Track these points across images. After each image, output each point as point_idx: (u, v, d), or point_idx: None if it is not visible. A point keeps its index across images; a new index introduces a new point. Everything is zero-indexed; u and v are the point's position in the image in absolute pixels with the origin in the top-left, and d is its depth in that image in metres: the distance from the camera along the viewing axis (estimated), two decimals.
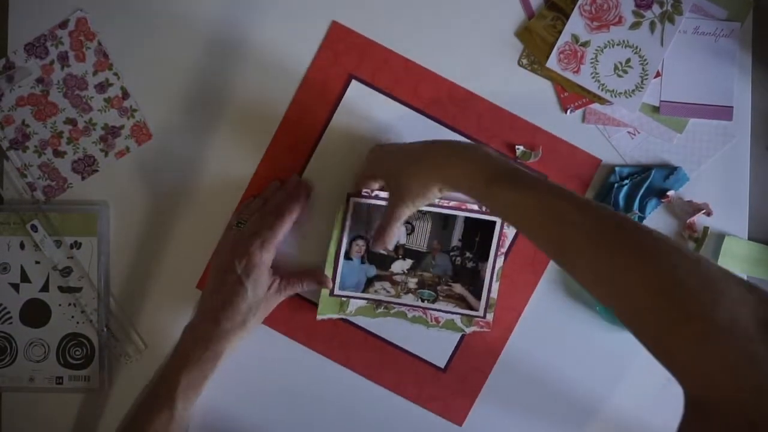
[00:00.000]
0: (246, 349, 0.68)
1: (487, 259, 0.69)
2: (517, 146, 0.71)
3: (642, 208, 0.70)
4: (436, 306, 0.70)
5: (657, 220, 0.71)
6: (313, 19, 0.72)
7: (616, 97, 0.71)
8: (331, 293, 0.69)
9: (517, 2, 0.72)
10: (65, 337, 0.71)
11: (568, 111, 0.71)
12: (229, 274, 0.65)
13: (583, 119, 0.72)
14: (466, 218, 0.69)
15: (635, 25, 0.71)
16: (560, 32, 0.71)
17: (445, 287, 0.70)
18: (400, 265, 0.70)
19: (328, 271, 0.69)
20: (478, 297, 0.70)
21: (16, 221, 0.71)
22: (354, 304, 0.70)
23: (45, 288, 0.71)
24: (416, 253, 0.70)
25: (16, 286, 0.71)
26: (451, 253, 0.70)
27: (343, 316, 0.70)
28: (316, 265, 0.71)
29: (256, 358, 0.71)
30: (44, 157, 0.72)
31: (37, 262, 0.71)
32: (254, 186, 0.72)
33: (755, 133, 0.71)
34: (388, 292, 0.70)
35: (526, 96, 0.71)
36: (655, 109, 0.71)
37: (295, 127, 0.72)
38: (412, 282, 0.70)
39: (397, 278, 0.70)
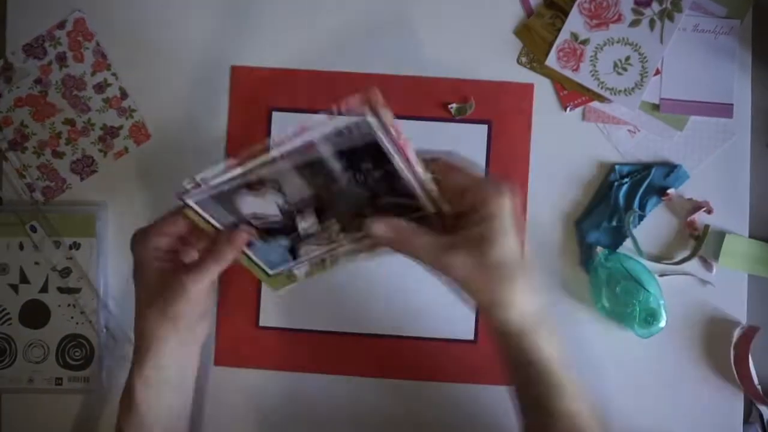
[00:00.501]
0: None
1: (390, 160, 0.50)
2: (449, 105, 0.71)
3: (642, 207, 0.70)
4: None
5: (657, 218, 0.71)
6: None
7: (615, 95, 0.70)
8: (268, 274, 0.61)
9: (516, 0, 0.71)
10: (65, 338, 0.71)
11: (568, 109, 0.71)
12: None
13: (583, 117, 0.71)
14: (328, 134, 0.50)
15: (635, 23, 0.70)
16: (559, 30, 0.71)
17: (374, 209, 0.54)
18: (307, 223, 0.57)
19: (249, 264, 0.59)
20: (412, 197, 0.54)
21: (15, 222, 0.71)
22: (301, 270, 0.60)
23: (44, 289, 0.71)
24: (301, 205, 0.55)
25: (15, 287, 0.71)
26: (355, 176, 0.53)
27: (299, 284, 0.62)
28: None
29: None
30: (43, 157, 0.72)
31: (37, 263, 0.71)
32: None
33: (755, 130, 0.71)
34: (319, 245, 0.58)
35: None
36: (655, 107, 0.71)
37: None
38: (335, 229, 0.57)
39: (312, 231, 0.57)
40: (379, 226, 0.53)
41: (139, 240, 0.58)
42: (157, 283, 0.58)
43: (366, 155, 0.51)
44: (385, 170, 0.52)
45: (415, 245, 0.52)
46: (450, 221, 0.54)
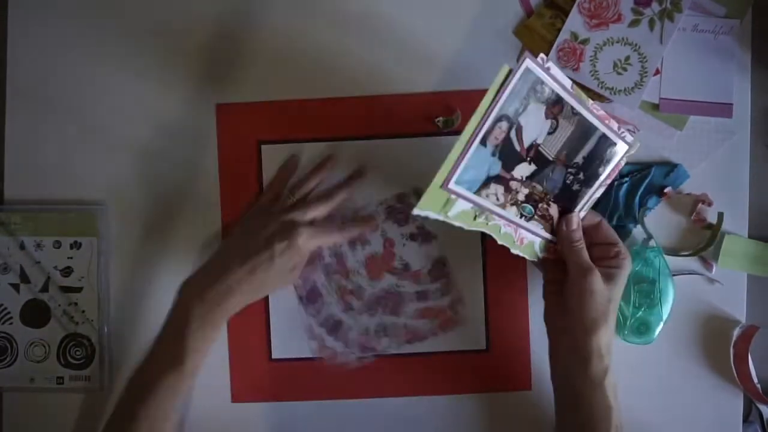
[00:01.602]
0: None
1: (593, 184, 0.64)
2: (435, 120, 0.71)
3: (642, 206, 0.70)
4: (528, 225, 0.64)
5: (659, 217, 0.71)
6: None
7: (615, 94, 0.71)
8: (444, 185, 0.59)
9: (515, 0, 0.72)
10: (66, 337, 0.71)
11: None
12: (265, 247, 0.63)
13: None
14: (602, 136, 0.63)
15: (634, 23, 0.70)
16: (559, 30, 0.71)
17: (545, 206, 0.64)
18: (522, 170, 0.62)
19: (455, 154, 0.58)
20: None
21: (17, 221, 0.71)
22: (458, 207, 0.60)
23: (45, 288, 0.71)
24: (543, 159, 0.62)
25: (16, 287, 0.71)
26: (569, 169, 0.63)
27: (442, 217, 0.60)
28: None
29: None
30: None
31: (37, 262, 0.71)
32: None
33: (755, 130, 0.71)
34: (498, 199, 0.62)
35: None
36: (655, 107, 0.71)
37: (236, 213, 0.72)
38: (523, 193, 0.62)
39: (513, 185, 0.62)
40: (573, 217, 0.65)
41: (309, 240, 0.65)
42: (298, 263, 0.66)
43: (593, 169, 0.64)
44: (587, 176, 0.64)
45: (575, 239, 0.64)
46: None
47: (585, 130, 0.62)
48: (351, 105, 0.71)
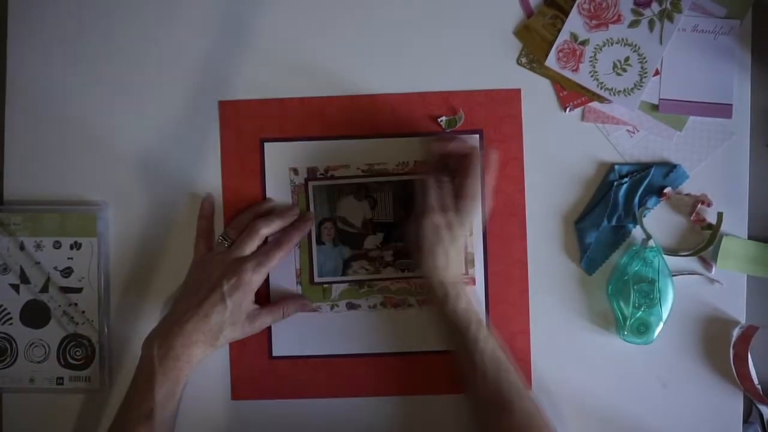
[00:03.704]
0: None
1: None
2: (439, 119, 0.71)
3: (642, 206, 0.70)
4: (417, 273, 0.70)
5: (658, 217, 0.71)
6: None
7: (615, 95, 0.71)
8: (312, 281, 0.71)
9: (515, 1, 0.72)
10: (65, 338, 0.71)
11: (567, 109, 0.71)
12: (213, 289, 0.64)
13: (583, 118, 0.72)
14: (421, 180, 0.67)
15: (634, 24, 0.71)
16: (559, 30, 0.71)
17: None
18: (372, 241, 0.71)
19: (304, 259, 0.71)
20: None
21: (17, 221, 0.71)
22: (336, 290, 0.71)
23: (45, 289, 0.71)
24: (385, 225, 0.71)
25: (16, 287, 0.71)
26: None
27: (329, 303, 0.71)
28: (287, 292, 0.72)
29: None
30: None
31: (37, 263, 0.71)
32: None
33: (755, 130, 0.71)
34: (367, 270, 0.71)
35: (524, 95, 0.71)
36: (654, 107, 0.71)
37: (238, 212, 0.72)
38: (388, 255, 0.71)
39: (373, 254, 0.71)
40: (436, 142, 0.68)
41: (259, 271, 0.65)
42: (249, 304, 0.66)
43: None
44: None
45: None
46: None
47: (403, 187, 0.71)
48: (354, 103, 0.72)
